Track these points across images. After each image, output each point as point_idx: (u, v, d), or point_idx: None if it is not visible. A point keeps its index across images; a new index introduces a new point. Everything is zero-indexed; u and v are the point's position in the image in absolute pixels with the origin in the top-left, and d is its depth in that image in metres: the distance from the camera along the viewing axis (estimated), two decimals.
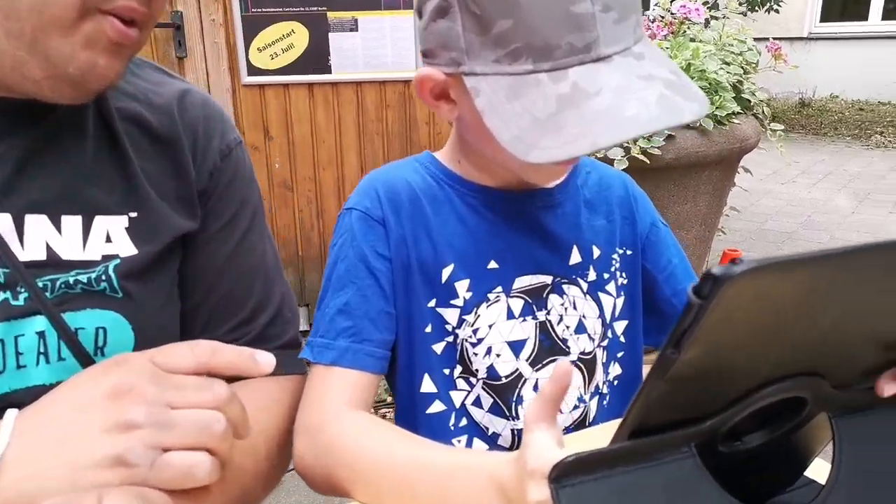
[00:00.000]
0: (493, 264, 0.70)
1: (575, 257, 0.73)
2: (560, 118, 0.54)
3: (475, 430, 0.71)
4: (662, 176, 1.96)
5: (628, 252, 0.76)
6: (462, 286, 0.70)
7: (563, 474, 0.38)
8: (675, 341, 0.35)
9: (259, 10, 2.36)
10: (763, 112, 2.09)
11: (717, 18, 2.33)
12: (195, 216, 0.65)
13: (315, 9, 2.38)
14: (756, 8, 6.62)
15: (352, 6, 2.39)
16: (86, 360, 0.55)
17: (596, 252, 0.74)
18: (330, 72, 2.44)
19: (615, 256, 0.75)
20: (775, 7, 6.49)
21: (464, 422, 0.71)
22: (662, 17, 2.06)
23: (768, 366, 0.40)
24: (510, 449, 0.71)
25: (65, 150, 0.57)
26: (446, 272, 0.69)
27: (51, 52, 0.49)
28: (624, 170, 2.08)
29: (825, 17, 8.89)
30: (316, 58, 2.42)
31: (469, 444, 0.71)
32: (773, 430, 0.46)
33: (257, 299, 0.69)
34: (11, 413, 0.45)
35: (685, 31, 2.06)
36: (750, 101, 2.01)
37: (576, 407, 0.72)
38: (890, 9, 8.61)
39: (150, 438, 0.44)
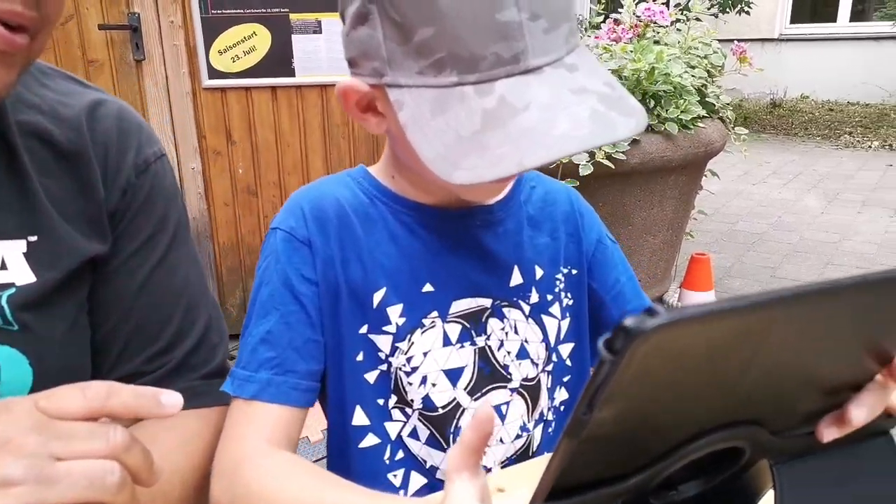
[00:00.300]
0: (428, 287, 0.66)
1: (516, 278, 0.69)
2: (485, 136, 0.50)
3: (412, 464, 0.67)
4: (628, 181, 1.94)
5: (574, 271, 0.73)
6: (395, 311, 0.65)
7: None
8: (588, 400, 0.31)
9: (219, 11, 2.31)
10: (728, 116, 2.08)
11: (686, 20, 2.32)
12: (105, 238, 0.61)
13: (277, 10, 2.33)
14: (727, 10, 6.68)
15: (315, 7, 2.34)
16: None
17: (539, 272, 0.70)
18: (294, 74, 2.39)
19: (559, 276, 0.72)
20: (746, 9, 6.54)
21: (400, 455, 0.67)
22: (628, 20, 2.04)
23: (699, 417, 0.37)
24: None
25: None
26: (378, 296, 0.65)
27: None
28: (589, 175, 2.08)
29: (795, 19, 9.02)
30: (279, 60, 2.37)
31: (406, 477, 0.67)
32: (709, 480, 0.43)
33: (178, 326, 0.64)
34: None
35: (649, 35, 2.04)
36: (715, 105, 2.00)
37: (518, 436, 0.69)
38: (858, 11, 8.76)
39: (29, 497, 0.39)
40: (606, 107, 0.52)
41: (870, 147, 6.44)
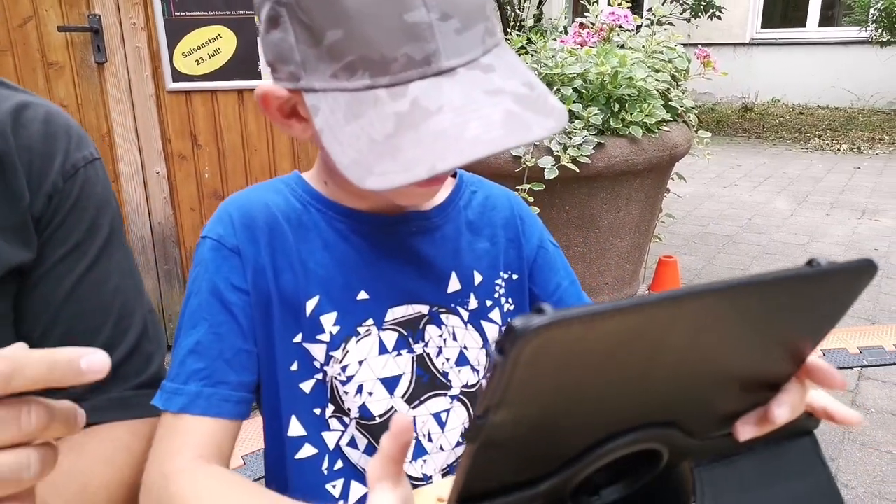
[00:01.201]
0: (363, 295, 0.65)
1: (454, 285, 0.68)
2: (397, 140, 0.49)
3: (352, 473, 0.66)
4: (594, 184, 1.95)
5: (514, 276, 0.72)
6: (328, 319, 0.64)
7: None
8: (485, 404, 0.30)
9: (183, 13, 2.27)
10: (691, 119, 2.09)
11: (651, 24, 2.34)
12: (30, 245, 0.59)
13: (243, 13, 2.30)
14: (699, 14, 6.77)
15: None
16: None
17: (478, 278, 0.69)
18: (260, 77, 2.36)
19: (499, 282, 0.71)
20: (717, 14, 6.63)
21: (339, 464, 0.65)
22: (593, 24, 2.05)
23: (607, 419, 0.37)
24: None
25: None
26: (311, 304, 0.63)
27: None
28: (555, 179, 2.09)
29: (766, 24, 9.18)
30: (245, 63, 2.34)
31: (346, 487, 0.65)
32: (630, 484, 0.42)
33: (108, 335, 0.62)
34: None
35: (615, 39, 2.05)
36: (678, 109, 2.01)
37: (459, 444, 0.67)
38: (827, 16, 8.93)
39: None
40: (522, 107, 0.51)
41: (839, 150, 6.56)
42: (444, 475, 0.67)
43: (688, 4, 6.61)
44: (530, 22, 8.47)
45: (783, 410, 0.40)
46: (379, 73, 0.50)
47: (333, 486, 0.65)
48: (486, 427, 0.31)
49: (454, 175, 0.72)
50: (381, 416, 0.64)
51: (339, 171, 0.51)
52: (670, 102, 1.99)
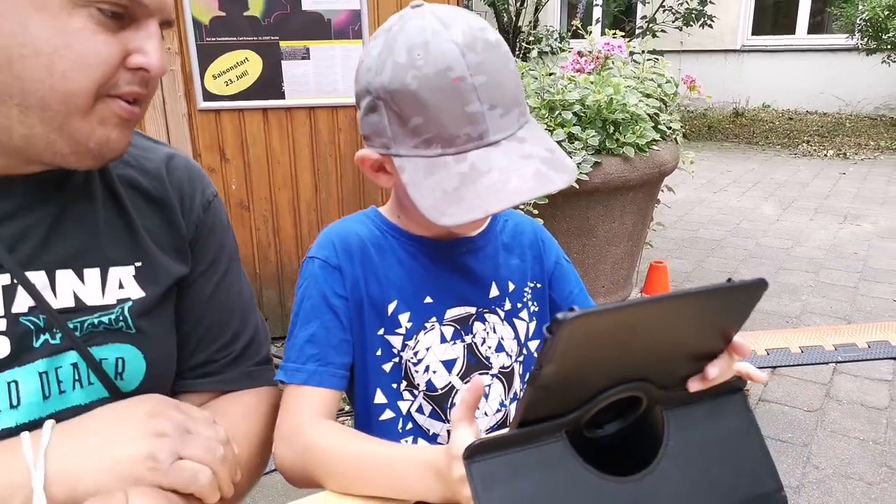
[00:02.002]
0: (428, 299, 0.85)
1: (493, 291, 0.89)
2: (461, 191, 0.71)
3: (419, 433, 0.87)
4: (591, 198, 2.16)
5: (538, 285, 0.93)
6: (404, 318, 0.85)
7: (473, 454, 0.55)
8: (540, 362, 0.52)
9: (213, 39, 2.47)
10: (677, 140, 2.31)
11: (642, 52, 2.54)
12: (187, 262, 0.79)
13: (268, 38, 2.50)
14: (690, 23, 6.95)
15: (304, 36, 2.52)
16: (109, 383, 0.70)
17: (511, 286, 0.90)
18: (283, 97, 2.56)
19: (527, 289, 0.92)
20: (709, 23, 6.83)
21: (409, 425, 0.87)
22: (590, 52, 2.26)
23: (607, 376, 0.58)
24: None
25: (82, 214, 0.70)
26: (391, 307, 0.84)
27: (74, 132, 0.62)
28: (557, 194, 2.30)
29: (756, 31, 9.32)
30: (270, 84, 2.54)
31: (414, 443, 0.87)
32: (624, 420, 0.63)
33: (235, 327, 0.84)
34: (49, 423, 0.60)
35: (609, 66, 2.27)
36: (666, 132, 2.23)
37: (498, 411, 0.88)
38: (816, 23, 9.10)
39: (173, 446, 0.60)
40: (546, 167, 0.72)
41: (825, 155, 6.74)
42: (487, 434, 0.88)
43: (680, 13, 6.81)
44: (527, 28, 8.67)
45: (714, 370, 0.61)
46: (447, 145, 0.72)
47: (405, 441, 0.87)
48: (540, 376, 0.52)
49: None
50: (441, 389, 0.86)
51: (415, 210, 0.72)
52: (659, 125, 2.21)
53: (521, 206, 1.93)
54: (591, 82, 2.09)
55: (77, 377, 0.68)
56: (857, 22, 7.18)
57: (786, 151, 7.05)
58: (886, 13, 6.64)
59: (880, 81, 8.19)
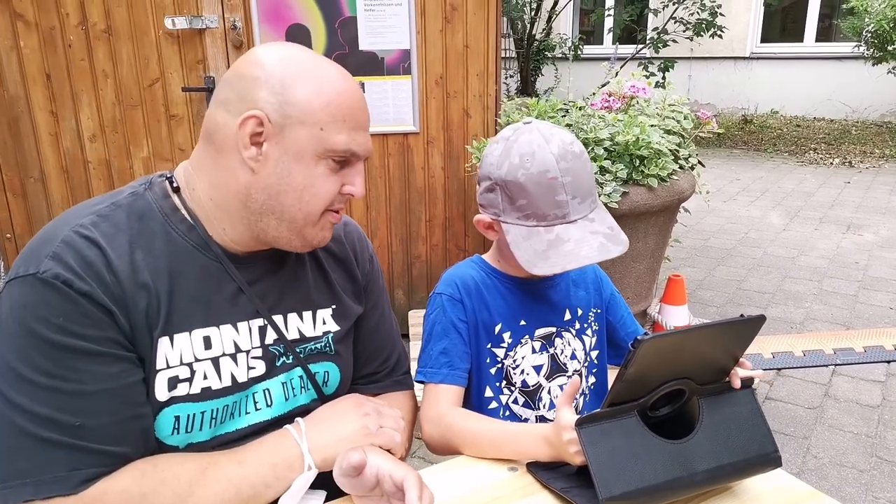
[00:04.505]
0: (522, 322, 1.16)
1: (567, 315, 1.20)
2: (548, 252, 1.02)
3: (514, 419, 1.16)
4: (620, 222, 2.43)
5: (598, 311, 1.25)
6: (506, 335, 1.15)
7: (581, 423, 0.87)
8: (625, 365, 0.83)
9: None
10: (697, 173, 2.62)
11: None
12: (362, 303, 1.11)
13: None
14: (701, 34, 7.15)
15: (359, 72, 2.82)
16: (318, 389, 1.02)
17: (579, 312, 1.21)
18: None
19: (591, 315, 1.24)
20: (719, 34, 7.04)
21: (507, 413, 1.19)
22: (617, 92, 2.57)
23: (663, 376, 0.90)
24: None
25: (298, 276, 1.02)
26: (497, 328, 1.15)
27: (306, 234, 0.93)
28: None
29: (765, 39, 9.48)
30: None
31: None
32: (673, 406, 0.95)
33: (389, 349, 1.16)
34: (299, 418, 0.94)
35: (635, 104, 2.58)
36: (685, 165, 2.54)
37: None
38: (824, 28, 9.26)
39: (376, 420, 0.94)
40: (607, 240, 1.04)
41: (831, 163, 6.91)
42: None
43: (690, 24, 7.02)
44: (540, 36, 8.93)
45: (737, 380, 0.94)
46: (541, 220, 1.04)
47: None
48: (625, 375, 0.84)
49: None
50: (532, 386, 1.18)
51: (514, 260, 1.05)
52: (678, 160, 2.52)
53: None
54: (619, 120, 2.40)
55: (302, 385, 1.01)
56: (864, 34, 7.36)
57: (793, 159, 7.19)
58: (892, 25, 6.85)
59: (886, 89, 8.34)
